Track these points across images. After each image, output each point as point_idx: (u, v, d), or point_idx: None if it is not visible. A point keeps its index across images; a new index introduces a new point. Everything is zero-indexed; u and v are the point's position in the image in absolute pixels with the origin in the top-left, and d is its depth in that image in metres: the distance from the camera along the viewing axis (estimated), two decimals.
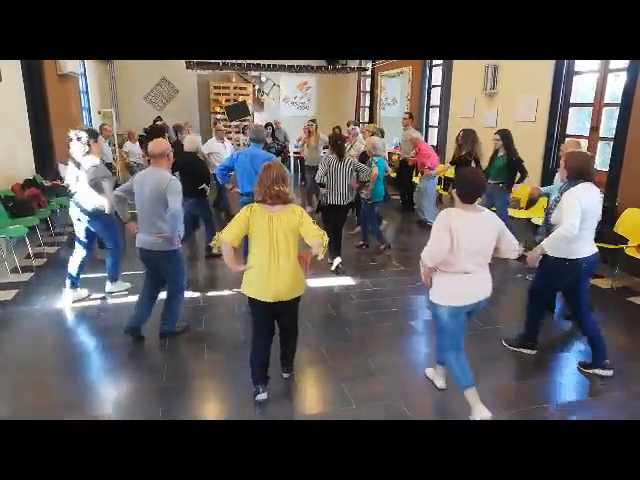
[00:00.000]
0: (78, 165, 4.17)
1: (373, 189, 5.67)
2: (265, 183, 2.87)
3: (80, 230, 4.39)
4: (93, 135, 4.25)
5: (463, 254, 2.64)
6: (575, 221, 3.03)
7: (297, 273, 2.94)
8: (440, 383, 3.13)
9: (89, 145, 4.16)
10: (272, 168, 2.92)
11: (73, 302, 4.39)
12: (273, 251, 2.85)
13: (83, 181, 4.16)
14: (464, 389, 2.81)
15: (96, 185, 4.15)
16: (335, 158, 5.14)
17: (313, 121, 8.58)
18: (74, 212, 4.33)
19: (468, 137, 6.03)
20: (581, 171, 3.15)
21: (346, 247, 5.69)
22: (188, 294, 4.61)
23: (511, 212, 6.16)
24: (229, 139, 8.82)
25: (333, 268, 5.26)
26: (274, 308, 2.93)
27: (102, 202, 4.20)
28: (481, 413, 2.74)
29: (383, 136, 7.68)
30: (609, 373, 3.30)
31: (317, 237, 2.82)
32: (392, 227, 7.28)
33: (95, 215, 4.26)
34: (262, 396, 3.00)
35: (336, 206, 5.21)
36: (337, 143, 5.22)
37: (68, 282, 4.43)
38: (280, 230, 2.84)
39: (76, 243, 4.46)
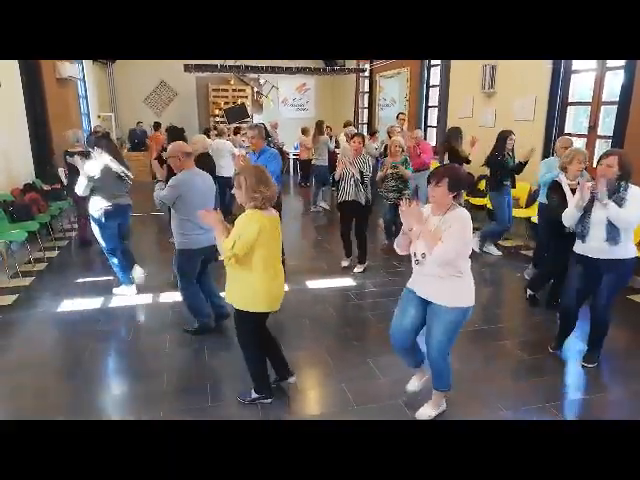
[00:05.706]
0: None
1: None
2: (267, 185, 2.68)
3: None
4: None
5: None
6: None
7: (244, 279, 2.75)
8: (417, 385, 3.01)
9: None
10: (263, 169, 2.75)
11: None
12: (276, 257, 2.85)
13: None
14: (448, 389, 2.81)
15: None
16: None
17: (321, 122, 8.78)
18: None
19: (452, 135, 6.11)
20: (631, 171, 3.10)
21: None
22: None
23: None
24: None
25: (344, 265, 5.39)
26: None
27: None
28: (438, 410, 2.83)
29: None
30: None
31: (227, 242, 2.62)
32: None
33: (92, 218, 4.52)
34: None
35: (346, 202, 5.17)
36: None
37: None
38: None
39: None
